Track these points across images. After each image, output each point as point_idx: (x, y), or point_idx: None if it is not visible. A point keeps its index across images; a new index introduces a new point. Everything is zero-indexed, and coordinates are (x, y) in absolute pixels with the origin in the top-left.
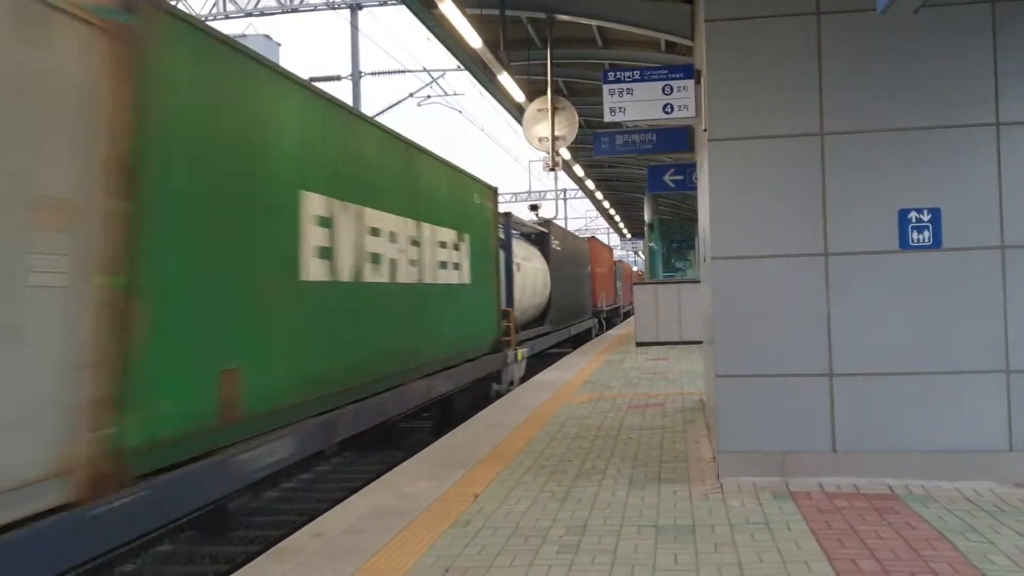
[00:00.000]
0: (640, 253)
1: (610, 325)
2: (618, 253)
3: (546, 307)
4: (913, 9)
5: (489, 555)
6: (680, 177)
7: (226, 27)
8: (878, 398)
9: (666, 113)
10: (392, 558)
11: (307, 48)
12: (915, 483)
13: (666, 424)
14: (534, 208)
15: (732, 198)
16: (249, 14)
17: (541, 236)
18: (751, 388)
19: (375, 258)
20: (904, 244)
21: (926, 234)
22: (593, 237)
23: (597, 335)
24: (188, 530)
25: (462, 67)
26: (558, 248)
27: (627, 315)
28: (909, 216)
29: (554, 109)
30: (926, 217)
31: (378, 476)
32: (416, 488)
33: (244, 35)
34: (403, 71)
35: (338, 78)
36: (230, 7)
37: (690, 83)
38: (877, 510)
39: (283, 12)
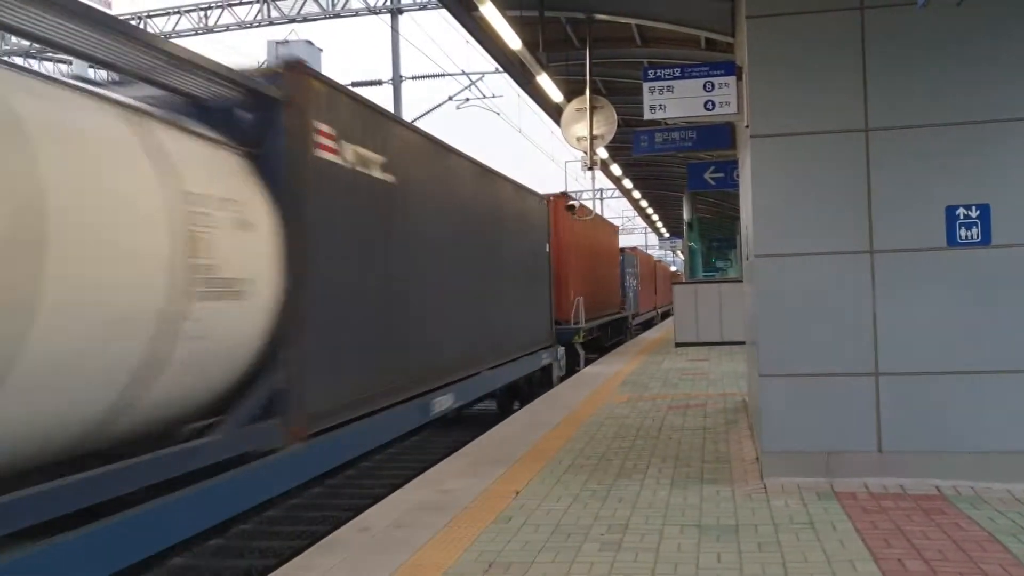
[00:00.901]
0: (678, 252)
1: (599, 352)
2: (656, 253)
3: (253, 373)
4: (955, 2)
5: (531, 551)
6: (721, 175)
7: (270, 33)
8: (925, 398)
9: (707, 110)
10: (436, 553)
11: (348, 53)
12: (964, 484)
13: (708, 425)
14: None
15: (775, 195)
16: (292, 20)
17: (265, 103)
18: (795, 387)
19: None
20: (952, 241)
21: (974, 231)
22: (565, 194)
23: (561, 379)
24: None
25: (500, 69)
26: (371, 174)
27: (647, 325)
28: (957, 213)
29: (592, 108)
30: (974, 214)
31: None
32: (458, 484)
33: (287, 41)
34: (442, 75)
35: (379, 83)
36: (274, 13)
37: (731, 79)
38: (924, 511)
39: (325, 18)
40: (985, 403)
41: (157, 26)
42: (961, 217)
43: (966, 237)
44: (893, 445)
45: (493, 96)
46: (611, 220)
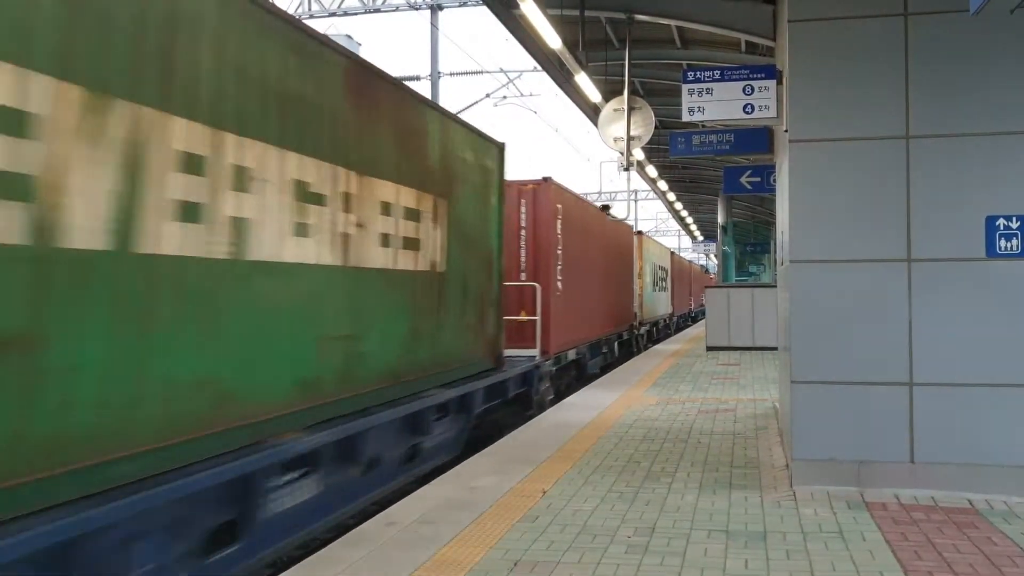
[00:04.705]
0: (712, 256)
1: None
2: (689, 256)
3: None
4: (1009, 9)
5: (557, 551)
6: (757, 179)
7: (310, 26)
8: (960, 409)
9: (746, 113)
10: (462, 549)
11: (388, 48)
12: (997, 498)
13: (737, 430)
14: (605, 208)
15: (813, 201)
16: (333, 14)
17: None
18: (828, 395)
19: None
20: (991, 252)
21: (1014, 242)
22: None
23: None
24: None
25: (539, 68)
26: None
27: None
28: (997, 223)
29: (630, 109)
30: (1015, 225)
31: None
32: (485, 482)
33: (326, 35)
34: (480, 72)
35: (417, 78)
36: (315, 7)
37: (771, 83)
38: (956, 524)
39: (365, 12)
40: (1021, 417)
41: None
42: (1001, 228)
43: (1006, 248)
44: (926, 456)
45: (531, 95)
46: (645, 220)
